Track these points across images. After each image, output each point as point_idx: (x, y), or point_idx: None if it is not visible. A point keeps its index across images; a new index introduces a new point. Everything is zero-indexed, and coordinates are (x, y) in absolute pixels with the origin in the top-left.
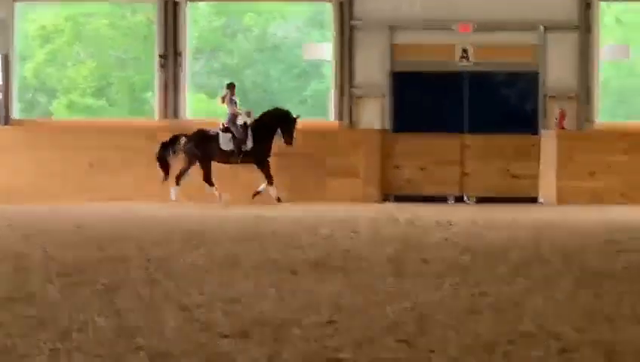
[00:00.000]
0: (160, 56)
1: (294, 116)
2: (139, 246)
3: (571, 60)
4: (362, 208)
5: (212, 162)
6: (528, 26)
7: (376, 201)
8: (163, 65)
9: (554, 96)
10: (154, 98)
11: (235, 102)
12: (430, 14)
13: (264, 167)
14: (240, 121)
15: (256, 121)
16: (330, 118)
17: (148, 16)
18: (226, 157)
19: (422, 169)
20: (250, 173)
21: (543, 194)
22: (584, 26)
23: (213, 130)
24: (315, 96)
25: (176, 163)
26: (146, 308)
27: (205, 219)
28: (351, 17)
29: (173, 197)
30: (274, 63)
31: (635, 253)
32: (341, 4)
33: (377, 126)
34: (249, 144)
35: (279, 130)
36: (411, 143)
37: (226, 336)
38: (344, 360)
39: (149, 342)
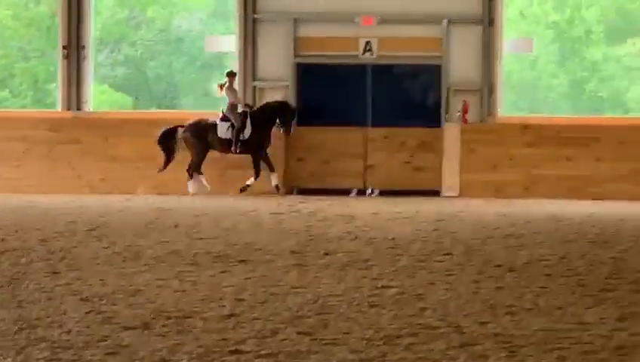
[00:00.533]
0: (63, 47)
1: (293, 107)
2: (41, 238)
3: (475, 54)
4: (265, 201)
5: (208, 153)
6: (432, 19)
7: (279, 194)
8: (66, 57)
9: (457, 90)
10: (57, 90)
11: (236, 91)
12: (334, 7)
13: (259, 158)
14: (239, 109)
15: (256, 110)
16: None
17: (51, 7)
18: (224, 146)
19: (325, 162)
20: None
21: (445, 186)
22: (488, 19)
23: (211, 119)
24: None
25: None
26: (48, 300)
27: (108, 211)
28: (254, 10)
29: (191, 190)
30: (177, 55)
31: (536, 247)
32: None
33: None
34: (247, 132)
35: (278, 121)
36: (315, 136)
37: (127, 328)
38: (246, 353)
39: (50, 333)
